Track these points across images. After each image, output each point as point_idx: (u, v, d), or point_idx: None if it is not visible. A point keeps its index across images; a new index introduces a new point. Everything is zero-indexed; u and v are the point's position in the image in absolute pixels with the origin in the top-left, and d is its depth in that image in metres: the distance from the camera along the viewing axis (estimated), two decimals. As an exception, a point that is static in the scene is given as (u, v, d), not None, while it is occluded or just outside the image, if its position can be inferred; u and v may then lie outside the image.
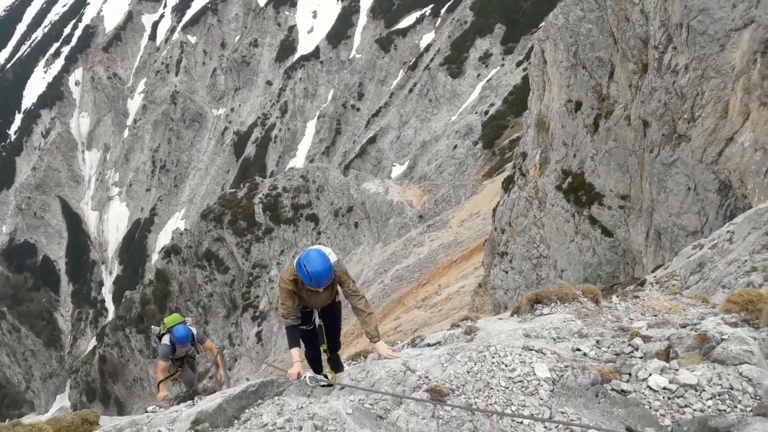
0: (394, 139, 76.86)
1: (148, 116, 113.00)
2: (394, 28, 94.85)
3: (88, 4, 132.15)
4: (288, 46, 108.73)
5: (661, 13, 23.42)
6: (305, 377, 4.88)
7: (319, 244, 5.78)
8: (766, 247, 8.02)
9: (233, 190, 68.13)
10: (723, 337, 3.58)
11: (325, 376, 5.12)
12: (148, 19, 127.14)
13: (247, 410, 4.56)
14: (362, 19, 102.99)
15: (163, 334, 8.58)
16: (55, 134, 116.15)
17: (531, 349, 4.21)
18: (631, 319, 5.31)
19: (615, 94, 23.82)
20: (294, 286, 5.00)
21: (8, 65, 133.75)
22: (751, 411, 3.05)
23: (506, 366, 4.12)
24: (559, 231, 22.67)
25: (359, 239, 54.12)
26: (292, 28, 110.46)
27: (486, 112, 63.08)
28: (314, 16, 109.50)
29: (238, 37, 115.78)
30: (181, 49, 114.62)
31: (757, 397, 3.24)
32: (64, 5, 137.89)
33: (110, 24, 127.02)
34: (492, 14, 75.87)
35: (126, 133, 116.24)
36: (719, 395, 3.25)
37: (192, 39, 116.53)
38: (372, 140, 79.24)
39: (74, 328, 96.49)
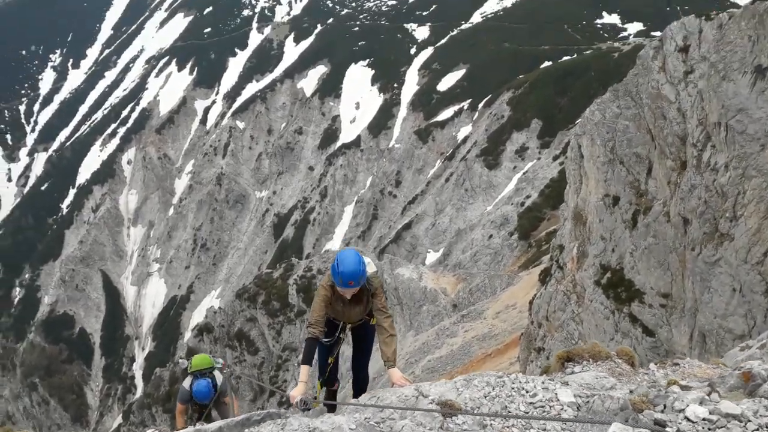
0: (429, 226, 77.25)
1: (194, 196, 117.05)
2: (432, 121, 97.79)
3: (147, 89, 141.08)
4: (331, 135, 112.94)
5: (699, 112, 23.64)
6: (297, 401, 4.61)
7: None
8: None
9: (269, 270, 68.82)
10: None
11: (315, 398, 4.87)
12: (200, 105, 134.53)
13: (247, 429, 4.41)
14: (402, 111, 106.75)
15: (189, 374, 8.23)
16: (104, 209, 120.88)
17: (554, 380, 4.00)
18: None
19: (653, 190, 23.68)
20: (330, 293, 4.85)
21: (68, 143, 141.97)
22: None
23: (527, 392, 3.95)
24: (598, 328, 21.94)
25: (391, 326, 53.24)
26: (336, 118, 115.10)
27: (522, 204, 63.23)
28: (357, 107, 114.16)
29: (284, 125, 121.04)
30: (229, 133, 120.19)
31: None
32: (125, 89, 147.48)
33: (165, 108, 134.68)
34: (529, 109, 77.68)
35: (171, 211, 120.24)
36: (767, 426, 2.94)
37: (240, 124, 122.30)
38: (407, 226, 79.81)
39: (102, 404, 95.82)
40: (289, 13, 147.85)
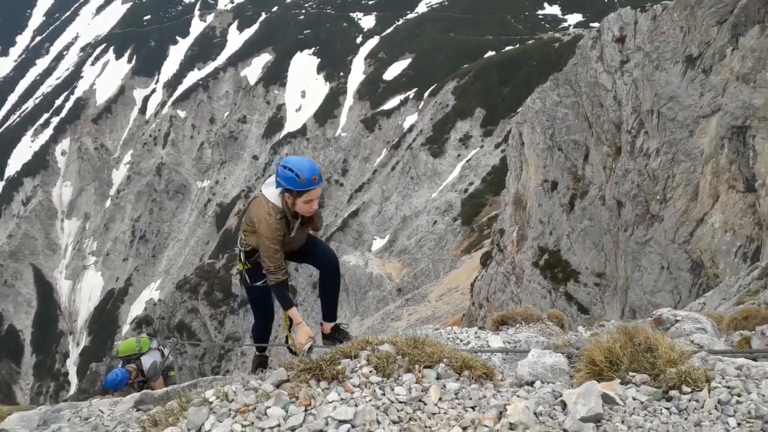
0: (375, 214, 77.53)
1: (132, 187, 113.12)
2: (379, 109, 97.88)
3: (82, 77, 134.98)
4: (276, 123, 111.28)
5: (633, 100, 24.57)
6: (306, 348, 4.18)
7: None
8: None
9: (211, 261, 67.42)
10: (677, 318, 3.54)
11: (289, 349, 4.57)
12: (139, 94, 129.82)
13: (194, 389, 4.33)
14: (349, 99, 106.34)
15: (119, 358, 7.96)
16: (36, 202, 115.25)
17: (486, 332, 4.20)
18: (599, 341, 5.31)
19: (590, 175, 24.51)
20: (282, 224, 4.18)
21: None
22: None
23: (461, 340, 4.12)
24: (536, 306, 22.56)
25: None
26: (281, 107, 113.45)
27: (465, 191, 64.26)
28: (303, 96, 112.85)
29: (227, 113, 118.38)
30: (170, 122, 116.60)
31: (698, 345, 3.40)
32: (58, 78, 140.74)
33: (102, 97, 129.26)
34: (472, 98, 78.94)
35: (108, 202, 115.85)
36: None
37: (181, 113, 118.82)
38: (354, 214, 79.83)
39: (33, 402, 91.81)
40: (232, 1, 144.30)
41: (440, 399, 2.44)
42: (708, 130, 23.62)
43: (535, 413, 2.17)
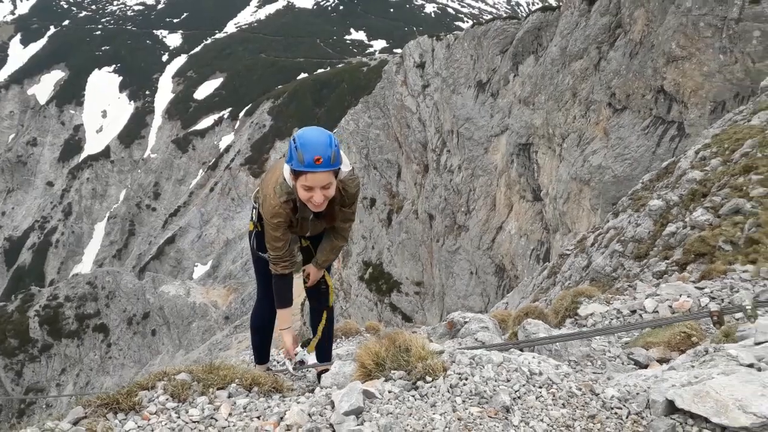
0: (195, 239, 74.15)
1: None
2: (191, 129, 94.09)
3: None
4: (74, 146, 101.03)
5: (435, 121, 26.95)
6: (293, 362, 3.70)
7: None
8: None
9: (2, 303, 59.00)
10: (466, 320, 4.27)
11: (305, 344, 3.85)
12: None
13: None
14: (157, 119, 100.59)
15: None
16: None
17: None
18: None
19: (403, 191, 26.32)
20: (288, 208, 3.33)
21: None
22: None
23: (278, 362, 4.58)
24: (364, 320, 23.57)
25: (157, 348, 49.88)
26: (79, 127, 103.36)
27: (289, 210, 64.47)
28: (104, 116, 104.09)
29: (12, 136, 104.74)
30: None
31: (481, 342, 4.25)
32: None
33: None
34: (289, 119, 79.71)
35: None
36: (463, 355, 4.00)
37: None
38: (171, 240, 75.52)
39: None
40: (13, 12, 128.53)
41: (230, 414, 2.73)
42: (499, 147, 26.80)
43: (309, 414, 2.53)
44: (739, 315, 4.11)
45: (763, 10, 18.34)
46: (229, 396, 2.90)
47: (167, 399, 2.79)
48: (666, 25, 20.66)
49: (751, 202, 10.79)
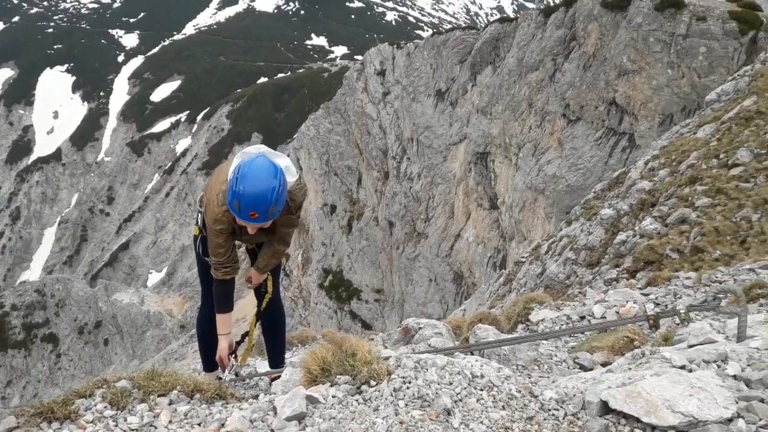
0: (150, 245, 72.47)
1: None
2: (147, 132, 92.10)
3: None
4: (23, 147, 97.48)
5: (396, 129, 27.15)
6: (226, 372, 3.57)
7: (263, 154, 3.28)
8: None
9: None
10: (420, 326, 4.35)
11: (234, 354, 3.71)
12: None
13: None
14: (112, 121, 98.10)
15: None
16: None
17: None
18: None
19: (364, 198, 26.38)
20: (232, 217, 3.18)
21: None
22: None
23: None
24: (323, 328, 23.52)
25: (110, 358, 48.46)
26: (28, 128, 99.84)
27: (247, 216, 63.69)
28: (55, 117, 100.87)
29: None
30: None
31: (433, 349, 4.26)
32: None
33: None
34: (248, 123, 78.87)
35: None
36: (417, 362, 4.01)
37: None
38: (125, 246, 73.61)
39: None
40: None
41: (170, 421, 2.70)
42: (458, 155, 27.19)
43: (250, 420, 2.54)
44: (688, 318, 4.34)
45: (709, 27, 19.20)
46: (170, 403, 2.88)
47: (105, 407, 2.75)
48: (618, 39, 21.40)
49: (696, 211, 11.27)
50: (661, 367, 2.47)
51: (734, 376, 2.35)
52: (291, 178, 3.24)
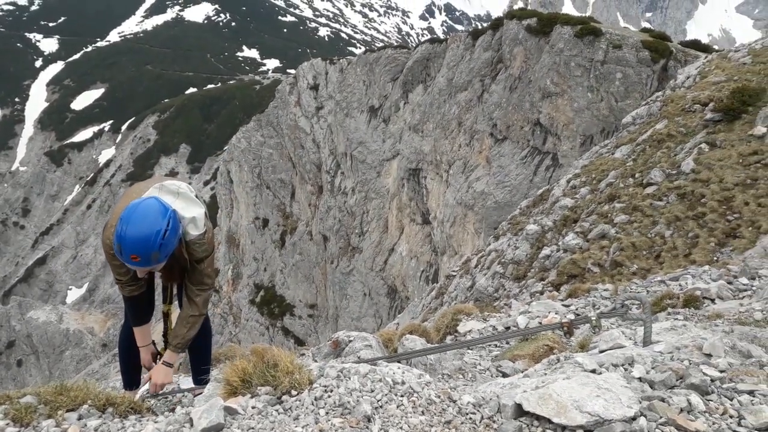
0: (69, 260, 68.85)
1: None
2: (67, 141, 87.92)
3: None
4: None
5: (329, 143, 27.20)
6: (141, 392, 3.47)
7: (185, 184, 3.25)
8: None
9: None
10: (350, 339, 4.41)
11: (158, 355, 3.56)
12: None
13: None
14: (28, 129, 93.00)
15: None
16: None
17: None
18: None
19: (297, 212, 26.19)
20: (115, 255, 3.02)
21: None
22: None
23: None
24: (254, 344, 23.15)
25: (24, 380, 45.45)
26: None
27: (175, 230, 61.76)
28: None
29: None
30: None
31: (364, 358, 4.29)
32: None
33: None
34: (176, 134, 76.82)
35: None
36: (341, 371, 4.04)
37: None
38: (41, 261, 69.61)
39: None
40: None
41: None
42: (391, 171, 27.52)
43: None
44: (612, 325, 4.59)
45: (624, 54, 20.46)
46: (80, 418, 2.77)
47: (7, 424, 2.61)
48: (542, 63, 22.42)
49: (615, 227, 11.95)
50: (573, 371, 2.64)
51: (639, 378, 2.55)
52: (195, 231, 3.09)
